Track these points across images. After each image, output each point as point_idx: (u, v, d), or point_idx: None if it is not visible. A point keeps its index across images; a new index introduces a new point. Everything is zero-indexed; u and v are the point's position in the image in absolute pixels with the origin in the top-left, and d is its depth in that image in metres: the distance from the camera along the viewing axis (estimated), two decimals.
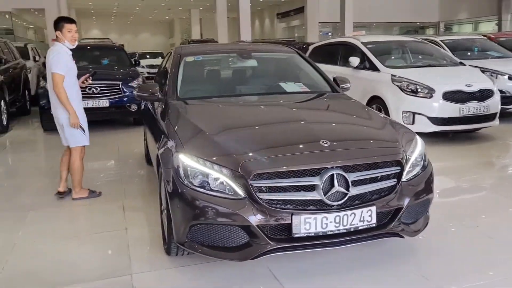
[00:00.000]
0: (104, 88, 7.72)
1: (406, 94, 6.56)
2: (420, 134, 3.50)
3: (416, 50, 8.02)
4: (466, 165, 5.51)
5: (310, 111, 3.72)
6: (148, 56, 22.71)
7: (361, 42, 7.71)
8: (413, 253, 3.15)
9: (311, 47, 9.47)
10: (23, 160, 6.16)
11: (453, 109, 6.30)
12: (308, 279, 2.82)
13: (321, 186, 2.62)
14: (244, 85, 4.29)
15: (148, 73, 21.01)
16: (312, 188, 2.64)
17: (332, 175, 2.63)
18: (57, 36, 4.50)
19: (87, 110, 4.61)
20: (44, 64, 7.04)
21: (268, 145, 2.88)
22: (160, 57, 22.80)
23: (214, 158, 2.72)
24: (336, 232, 2.68)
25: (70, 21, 4.49)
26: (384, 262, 3.02)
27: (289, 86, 4.16)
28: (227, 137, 2.99)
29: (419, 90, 6.44)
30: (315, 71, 4.38)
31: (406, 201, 2.86)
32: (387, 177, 2.84)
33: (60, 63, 4.30)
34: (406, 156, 2.94)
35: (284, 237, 2.65)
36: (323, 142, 2.80)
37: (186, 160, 2.73)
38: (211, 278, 2.83)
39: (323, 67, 8.48)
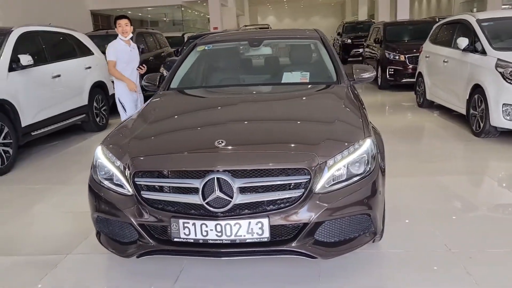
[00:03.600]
0: None
1: (509, 83, 5.33)
2: None
3: None
4: None
5: (270, 108, 3.37)
6: None
7: (476, 20, 6.48)
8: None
9: (434, 27, 8.34)
10: None
11: None
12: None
13: (201, 190, 2.41)
14: (248, 74, 4.10)
15: None
16: (195, 191, 2.45)
17: (213, 179, 2.40)
18: None
19: None
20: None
21: (165, 144, 2.75)
22: None
23: (117, 153, 2.72)
24: (219, 242, 2.44)
25: (119, 17, 5.29)
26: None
27: (291, 76, 3.84)
28: (146, 133, 2.92)
29: None
30: (329, 60, 3.92)
31: (317, 216, 2.42)
32: (289, 187, 2.45)
33: (110, 52, 5.16)
34: (325, 165, 2.48)
35: (166, 240, 2.54)
36: (218, 143, 2.55)
37: (99, 152, 2.80)
38: (126, 269, 2.88)
39: (438, 49, 7.52)
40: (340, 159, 2.54)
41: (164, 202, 2.51)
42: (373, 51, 11.96)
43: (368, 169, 2.60)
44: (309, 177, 2.43)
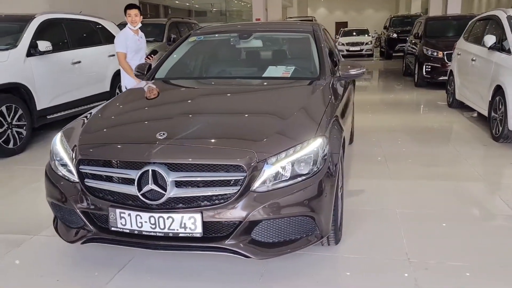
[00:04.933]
0: None
1: None
2: None
3: None
4: None
5: (231, 101, 3.30)
6: (354, 33, 22.25)
7: (507, 16, 6.05)
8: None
9: (469, 23, 7.85)
10: None
11: None
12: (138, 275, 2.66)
13: (136, 181, 2.41)
14: (233, 67, 4.05)
15: (348, 51, 20.69)
16: (132, 182, 2.45)
17: (148, 171, 2.40)
18: None
19: None
20: None
21: (111, 134, 2.76)
22: (366, 35, 22.06)
23: (71, 141, 2.77)
24: (153, 234, 2.44)
25: (129, 7, 5.36)
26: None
27: (273, 71, 3.77)
28: (99, 122, 2.93)
29: None
30: (316, 56, 3.79)
31: (252, 215, 2.36)
32: (224, 183, 2.39)
33: (119, 43, 5.24)
34: (264, 162, 2.40)
35: (106, 228, 2.56)
36: (160, 135, 2.53)
37: (57, 139, 2.87)
38: (80, 255, 2.94)
39: (469, 47, 7.08)
40: (283, 157, 2.46)
41: (104, 191, 2.53)
42: (413, 47, 11.49)
43: (315, 169, 2.50)
44: (244, 174, 2.37)
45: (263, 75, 3.73)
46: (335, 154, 2.68)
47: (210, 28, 4.62)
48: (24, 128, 5.62)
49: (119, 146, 2.59)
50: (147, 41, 9.65)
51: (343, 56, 21.66)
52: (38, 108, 5.86)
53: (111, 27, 7.82)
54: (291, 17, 21.61)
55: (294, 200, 2.43)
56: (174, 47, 4.20)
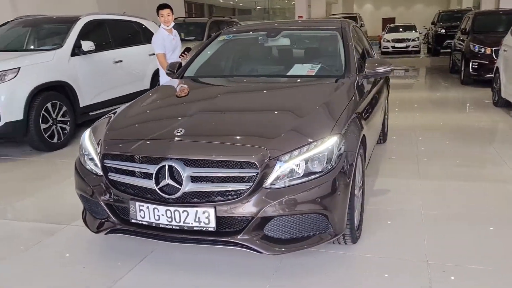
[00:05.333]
0: None
1: None
2: None
3: None
4: None
5: (250, 99, 3.37)
6: (400, 30, 21.69)
7: None
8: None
9: None
10: None
11: None
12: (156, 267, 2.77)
13: (154, 176, 2.52)
14: (260, 65, 4.11)
15: (393, 47, 20.22)
16: (150, 176, 2.56)
17: (165, 166, 2.49)
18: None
19: None
20: None
21: (134, 130, 2.87)
22: (413, 31, 21.47)
23: (97, 136, 2.92)
24: (169, 227, 2.54)
25: (161, 7, 5.53)
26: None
27: (299, 69, 3.78)
28: (125, 118, 3.07)
29: None
30: (342, 53, 3.78)
31: (263, 211, 2.42)
32: (237, 179, 2.45)
33: (157, 44, 5.46)
34: (277, 160, 2.44)
35: (127, 220, 2.69)
36: (177, 131, 2.63)
37: (86, 135, 3.03)
38: (106, 244, 3.10)
39: None
40: (297, 155, 2.49)
41: (125, 185, 2.66)
42: (460, 43, 11.09)
43: (329, 167, 2.52)
44: (257, 171, 2.42)
45: (288, 74, 3.76)
46: (351, 152, 2.67)
47: (240, 27, 4.69)
48: (68, 124, 5.92)
49: (139, 142, 2.70)
50: (189, 40, 9.93)
51: (388, 53, 21.18)
52: (81, 105, 6.16)
53: (152, 26, 8.06)
54: (334, 14, 21.37)
55: (306, 197, 2.46)
56: (204, 45, 4.31)
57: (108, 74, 6.68)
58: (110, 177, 2.70)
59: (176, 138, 2.59)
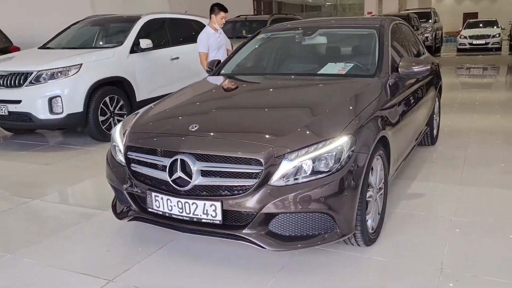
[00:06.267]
0: None
1: None
2: None
3: None
4: None
5: (269, 97, 3.43)
6: (480, 25, 20.42)
7: None
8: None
9: None
10: None
11: None
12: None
13: (168, 168, 2.66)
14: (294, 63, 4.13)
15: (470, 44, 19.13)
16: (165, 168, 2.70)
17: (177, 159, 2.62)
18: (210, 18, 5.84)
19: None
20: None
21: (156, 124, 3.02)
22: (494, 26, 20.15)
23: (125, 129, 3.11)
24: (180, 217, 2.67)
25: (225, 10, 5.92)
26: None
27: (331, 68, 3.76)
28: (151, 112, 3.24)
29: None
30: (377, 52, 3.70)
31: (267, 207, 2.47)
32: (244, 175, 2.52)
33: (202, 43, 5.66)
34: (283, 158, 2.48)
35: (145, 209, 2.85)
36: (192, 127, 2.74)
37: (117, 128, 3.24)
38: (133, 232, 3.30)
39: None
40: (304, 153, 2.52)
41: (144, 176, 2.83)
42: None
43: (337, 167, 2.52)
44: (262, 168, 2.48)
45: (318, 72, 3.75)
46: (363, 154, 2.64)
47: (280, 25, 4.73)
48: (124, 117, 6.30)
49: (158, 136, 2.87)
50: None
51: (465, 50, 19.98)
52: (138, 99, 6.52)
53: None
54: (407, 9, 20.54)
55: (311, 196, 2.48)
56: (243, 44, 4.40)
57: (164, 70, 6.99)
58: (132, 168, 2.88)
59: (190, 133, 2.72)
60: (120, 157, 3.04)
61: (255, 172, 2.50)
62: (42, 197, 4.09)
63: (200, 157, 2.60)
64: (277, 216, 2.52)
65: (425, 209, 3.51)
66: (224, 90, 3.73)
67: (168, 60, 7.10)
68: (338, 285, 2.54)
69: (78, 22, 7.50)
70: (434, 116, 5.13)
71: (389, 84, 3.43)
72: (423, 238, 3.05)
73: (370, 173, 2.81)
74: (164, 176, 2.70)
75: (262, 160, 2.48)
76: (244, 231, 2.55)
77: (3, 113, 5.70)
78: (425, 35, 17.09)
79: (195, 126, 2.76)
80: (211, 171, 2.59)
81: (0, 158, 5.46)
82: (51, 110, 5.59)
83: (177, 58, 7.22)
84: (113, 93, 6.13)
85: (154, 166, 2.78)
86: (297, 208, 2.48)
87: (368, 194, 2.80)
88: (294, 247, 2.57)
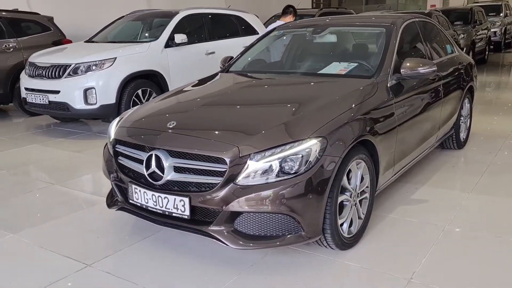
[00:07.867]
0: None
1: None
2: None
3: None
4: None
5: (259, 96, 3.48)
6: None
7: None
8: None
9: None
10: None
11: None
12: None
13: (144, 163, 2.77)
14: (297, 62, 4.13)
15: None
16: (142, 162, 2.82)
17: (152, 154, 2.73)
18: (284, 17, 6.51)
19: None
20: None
21: (142, 119, 3.12)
22: None
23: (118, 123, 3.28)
24: (154, 210, 2.78)
25: (296, 14, 6.62)
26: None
27: (333, 67, 3.70)
28: (144, 108, 3.38)
29: None
30: (382, 52, 3.58)
31: (230, 206, 2.52)
32: (210, 173, 2.59)
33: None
34: (248, 158, 2.51)
35: (127, 200, 3.00)
36: (170, 124, 2.84)
37: (113, 123, 3.40)
38: (130, 221, 3.47)
39: None
40: (270, 154, 2.54)
41: (127, 168, 2.98)
42: None
43: (303, 170, 2.51)
44: (226, 167, 2.53)
45: (320, 72, 3.70)
46: (334, 157, 2.61)
47: (294, 23, 4.71)
48: None
49: (139, 131, 3.00)
50: None
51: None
52: None
53: (252, 20, 8.37)
54: (477, 2, 19.28)
55: (273, 197, 2.49)
56: (255, 41, 4.43)
57: (199, 65, 7.15)
58: (119, 160, 3.04)
59: (166, 130, 2.82)
60: (111, 150, 3.21)
61: (221, 171, 2.56)
62: (62, 182, 4.40)
63: (173, 154, 2.70)
64: (242, 215, 2.57)
65: (420, 216, 3.38)
66: (217, 88, 3.80)
67: (204, 54, 7.26)
68: (298, 286, 2.54)
69: (122, 17, 7.86)
70: (461, 118, 4.87)
71: (388, 85, 3.33)
72: (405, 246, 2.95)
73: (347, 177, 2.77)
74: (142, 169, 2.82)
75: (226, 159, 2.53)
76: (210, 227, 2.62)
77: (44, 102, 6.14)
78: (492, 30, 16.03)
79: (173, 123, 2.85)
80: (182, 167, 2.67)
81: (39, 143, 5.90)
82: (86, 101, 5.95)
83: (213, 52, 7.36)
84: (146, 86, 6.39)
85: (135, 159, 2.92)
86: (259, 208, 2.51)
87: (343, 198, 2.76)
88: (257, 246, 2.60)
